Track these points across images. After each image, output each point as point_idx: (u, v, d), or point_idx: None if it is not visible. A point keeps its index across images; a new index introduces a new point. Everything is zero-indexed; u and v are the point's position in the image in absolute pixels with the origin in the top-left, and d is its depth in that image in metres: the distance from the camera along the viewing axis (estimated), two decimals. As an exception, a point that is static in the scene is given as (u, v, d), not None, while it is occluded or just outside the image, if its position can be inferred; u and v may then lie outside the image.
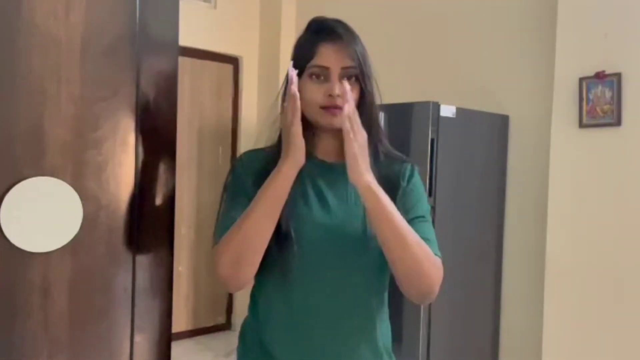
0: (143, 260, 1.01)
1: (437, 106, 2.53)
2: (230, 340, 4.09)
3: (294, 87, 1.00)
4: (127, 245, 0.99)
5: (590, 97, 2.36)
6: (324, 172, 1.12)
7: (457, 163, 2.66)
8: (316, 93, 1.05)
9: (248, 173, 1.08)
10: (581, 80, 2.38)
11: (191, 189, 4.11)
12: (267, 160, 1.07)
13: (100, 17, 0.95)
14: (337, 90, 1.04)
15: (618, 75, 2.28)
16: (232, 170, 1.14)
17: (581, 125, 2.40)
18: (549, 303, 2.52)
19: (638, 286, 2.25)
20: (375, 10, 3.59)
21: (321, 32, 1.07)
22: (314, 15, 1.13)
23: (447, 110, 2.56)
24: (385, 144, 1.13)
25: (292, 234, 1.03)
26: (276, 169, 1.01)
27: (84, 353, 0.95)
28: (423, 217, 1.09)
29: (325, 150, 1.13)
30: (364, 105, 1.07)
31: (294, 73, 1.02)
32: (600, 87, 2.33)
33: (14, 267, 0.87)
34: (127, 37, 0.98)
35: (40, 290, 0.90)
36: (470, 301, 2.79)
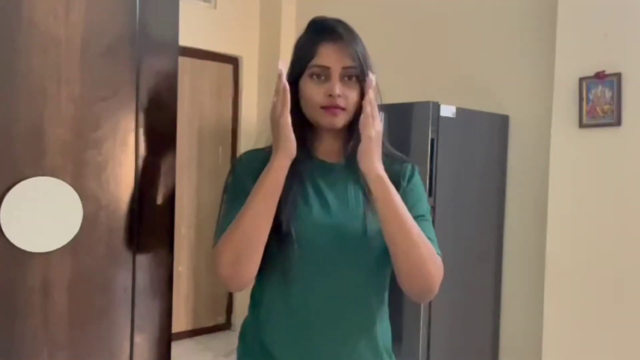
0: (143, 260, 1.01)
1: (437, 106, 2.53)
2: (230, 340, 4.09)
3: (284, 79, 1.00)
4: (127, 245, 0.99)
5: (590, 97, 2.36)
6: (324, 173, 1.12)
7: (457, 163, 2.66)
8: (316, 93, 1.05)
9: (248, 173, 1.08)
10: (581, 80, 2.38)
11: (191, 189, 4.11)
12: (267, 160, 1.07)
13: (100, 17, 0.95)
14: (337, 90, 1.04)
15: (618, 75, 2.28)
16: (232, 170, 1.14)
17: (581, 125, 2.40)
18: (549, 303, 2.52)
19: (638, 286, 2.25)
20: (375, 10, 3.59)
21: (322, 31, 1.07)
22: (314, 15, 1.13)
23: (447, 110, 2.56)
24: (386, 144, 1.13)
25: (293, 234, 1.03)
26: (269, 163, 1.01)
27: (84, 353, 0.95)
28: (423, 216, 1.09)
29: (325, 150, 1.13)
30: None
31: (283, 67, 1.02)
32: (600, 87, 2.33)
33: (14, 267, 0.87)
34: (127, 37, 0.98)
35: (40, 291, 0.90)
36: (470, 301, 2.79)
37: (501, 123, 2.89)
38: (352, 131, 1.09)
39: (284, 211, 1.03)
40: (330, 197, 1.09)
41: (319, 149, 1.13)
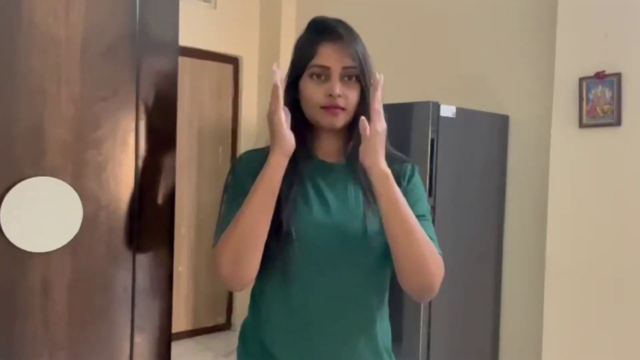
0: (143, 260, 1.01)
1: (437, 106, 2.52)
2: (230, 340, 4.09)
3: (275, 78, 1.01)
4: (127, 245, 0.99)
5: (590, 97, 2.36)
6: (324, 173, 1.12)
7: (457, 163, 2.66)
8: (316, 93, 1.05)
9: (248, 173, 1.08)
10: (581, 80, 2.38)
11: (191, 189, 4.11)
12: (267, 160, 1.07)
13: (100, 17, 0.95)
14: (337, 90, 1.04)
15: (618, 75, 2.28)
16: (232, 170, 1.14)
17: (581, 125, 2.40)
18: (549, 303, 2.52)
19: (638, 286, 2.25)
20: (375, 10, 3.59)
21: (322, 31, 1.07)
22: (314, 15, 1.13)
23: (447, 110, 2.56)
24: (386, 144, 1.13)
25: (293, 233, 1.03)
26: (266, 161, 1.01)
27: (84, 353, 0.95)
28: (424, 216, 1.09)
29: (325, 150, 1.13)
30: (364, 105, 1.07)
31: (277, 69, 1.02)
32: (600, 87, 2.33)
33: (14, 267, 0.87)
34: (127, 37, 0.98)
35: (40, 291, 0.90)
36: (470, 301, 2.79)
37: (501, 123, 2.89)
38: (352, 131, 1.09)
39: (284, 211, 1.03)
40: (330, 197, 1.09)
41: (319, 149, 1.13)
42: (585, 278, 2.40)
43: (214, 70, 4.23)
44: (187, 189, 4.08)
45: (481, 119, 2.80)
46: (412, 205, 1.07)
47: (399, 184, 1.09)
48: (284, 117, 1.01)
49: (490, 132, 2.86)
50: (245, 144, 4.29)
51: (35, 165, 0.89)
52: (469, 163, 2.73)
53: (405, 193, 1.09)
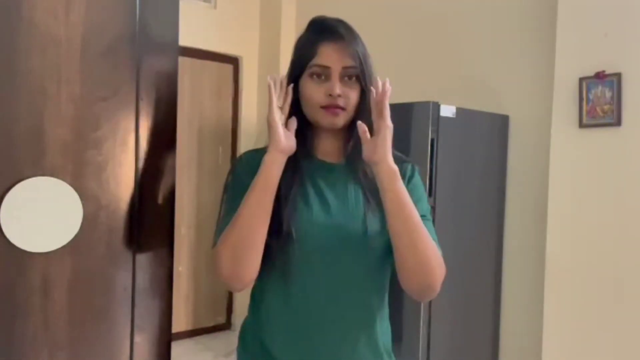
0: (143, 260, 1.01)
1: (437, 106, 2.52)
2: (230, 340, 4.09)
3: (268, 79, 1.03)
4: (127, 245, 0.99)
5: (590, 97, 2.36)
6: (325, 173, 1.12)
7: (457, 163, 2.66)
8: (316, 93, 1.05)
9: (248, 173, 1.08)
10: (581, 80, 2.38)
11: (191, 189, 4.11)
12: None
13: (100, 17, 0.95)
14: (337, 90, 1.04)
15: (618, 75, 2.28)
16: (232, 170, 1.14)
17: (581, 125, 2.40)
18: (549, 303, 2.52)
19: (638, 286, 2.25)
20: (376, 10, 3.59)
21: (322, 31, 1.07)
22: (314, 15, 1.13)
23: (447, 110, 2.56)
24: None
25: (293, 234, 1.03)
26: (262, 159, 1.02)
27: (84, 353, 0.95)
28: (424, 216, 1.09)
29: (325, 150, 1.13)
30: (365, 105, 1.07)
31: (271, 79, 1.05)
32: (600, 87, 2.33)
33: (14, 267, 0.87)
34: (127, 37, 0.98)
35: (40, 290, 0.90)
36: (470, 301, 2.79)
37: (501, 123, 2.89)
38: (352, 131, 1.09)
39: (284, 211, 1.03)
40: (330, 197, 1.09)
41: (319, 149, 1.13)
42: (585, 278, 2.40)
43: (214, 70, 4.23)
44: (187, 189, 4.08)
45: (481, 119, 2.80)
46: (413, 205, 1.07)
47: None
48: (278, 116, 1.03)
49: (490, 132, 2.86)
50: (245, 144, 4.29)
51: (35, 165, 0.89)
52: (469, 163, 2.73)
53: (406, 193, 1.09)
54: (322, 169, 1.12)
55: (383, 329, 1.15)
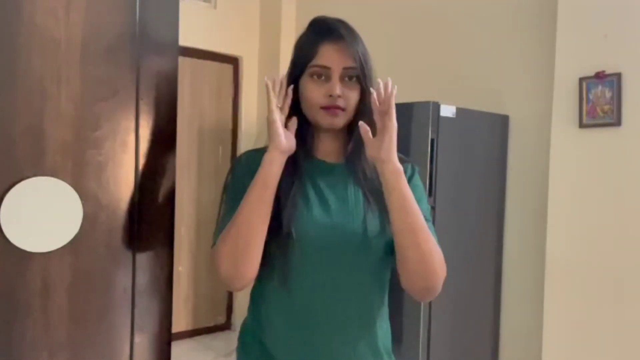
0: (143, 260, 1.01)
1: (437, 106, 2.52)
2: (230, 340, 4.09)
3: (266, 79, 1.03)
4: (127, 245, 0.99)
5: (590, 97, 2.36)
6: (325, 173, 1.12)
7: (457, 163, 2.66)
8: (316, 93, 1.05)
9: (247, 173, 1.08)
10: (581, 80, 2.38)
11: (191, 189, 4.11)
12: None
13: (100, 17, 0.95)
14: (337, 91, 1.04)
15: (618, 75, 2.28)
16: (232, 170, 1.14)
17: (581, 125, 2.40)
18: (549, 303, 2.52)
19: (638, 286, 2.25)
20: (376, 10, 3.59)
21: (323, 31, 1.07)
22: (314, 15, 1.12)
23: (447, 110, 2.56)
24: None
25: (293, 234, 1.03)
26: (262, 159, 1.02)
27: (84, 353, 0.95)
28: (424, 216, 1.09)
29: (325, 150, 1.13)
30: (365, 105, 1.07)
31: (269, 80, 1.05)
32: (600, 87, 2.33)
33: (14, 267, 0.87)
34: (127, 37, 0.98)
35: (40, 291, 0.90)
36: (470, 301, 2.79)
37: (501, 123, 2.89)
38: (351, 131, 1.09)
39: (284, 211, 1.03)
40: (330, 197, 1.09)
41: (319, 149, 1.13)
42: (585, 278, 2.40)
43: (214, 71, 4.23)
44: (187, 189, 4.08)
45: (481, 119, 2.80)
46: (413, 206, 1.07)
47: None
48: (278, 116, 1.02)
49: (490, 132, 2.86)
50: (245, 144, 4.29)
51: (35, 165, 0.89)
52: (469, 163, 2.73)
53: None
54: (322, 169, 1.12)
55: (383, 329, 1.15)
